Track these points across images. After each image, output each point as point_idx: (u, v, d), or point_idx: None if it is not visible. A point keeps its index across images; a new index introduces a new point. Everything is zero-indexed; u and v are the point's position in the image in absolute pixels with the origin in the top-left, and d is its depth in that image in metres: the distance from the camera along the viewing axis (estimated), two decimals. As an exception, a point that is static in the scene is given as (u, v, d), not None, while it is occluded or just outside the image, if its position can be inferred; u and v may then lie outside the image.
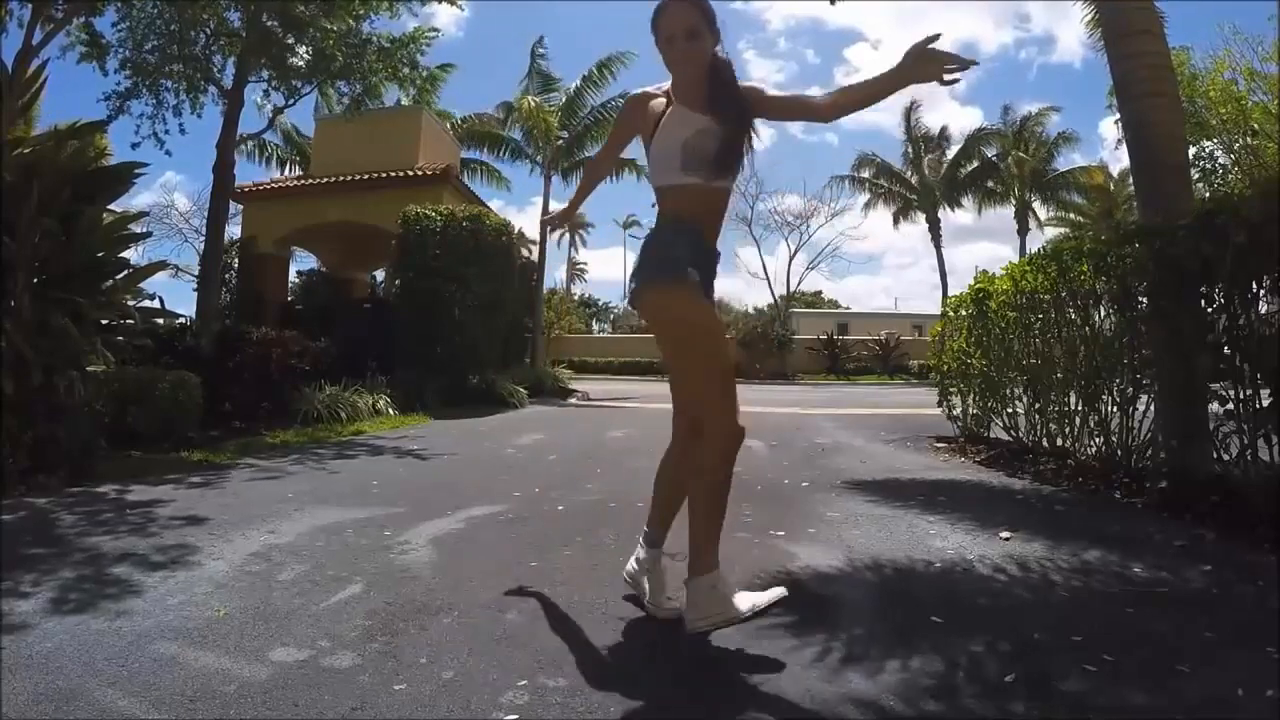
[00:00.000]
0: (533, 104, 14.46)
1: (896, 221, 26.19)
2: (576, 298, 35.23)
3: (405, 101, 8.99)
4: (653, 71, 1.96)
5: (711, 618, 1.63)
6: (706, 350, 1.74)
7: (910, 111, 25.53)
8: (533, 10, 66.71)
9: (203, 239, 8.11)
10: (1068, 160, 25.78)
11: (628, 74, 15.42)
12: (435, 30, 8.07)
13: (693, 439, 1.79)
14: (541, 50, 15.47)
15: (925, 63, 1.55)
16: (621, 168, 14.59)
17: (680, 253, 1.75)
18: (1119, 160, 24.45)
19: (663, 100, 1.86)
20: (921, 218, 25.67)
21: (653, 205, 1.90)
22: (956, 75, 1.53)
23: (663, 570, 1.93)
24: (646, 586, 1.91)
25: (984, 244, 69.90)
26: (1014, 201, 25.14)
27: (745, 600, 1.73)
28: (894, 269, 76.47)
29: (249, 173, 21.95)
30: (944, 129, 26.29)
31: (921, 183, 25.37)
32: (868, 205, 26.55)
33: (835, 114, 1.75)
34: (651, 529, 1.97)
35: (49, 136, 4.28)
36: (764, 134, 2.04)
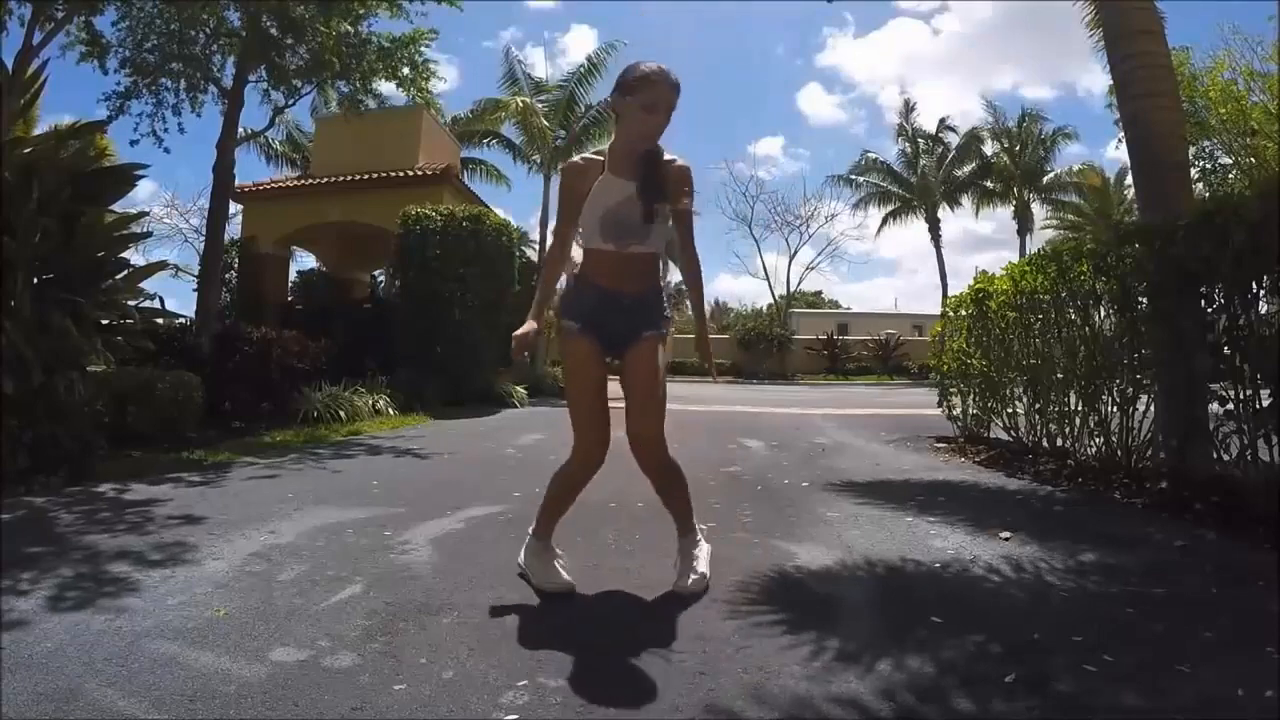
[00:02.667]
0: (521, 104, 14.39)
1: (885, 223, 26.21)
2: (576, 298, 35.07)
3: (414, 95, 8.93)
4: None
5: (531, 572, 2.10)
6: (568, 385, 2.09)
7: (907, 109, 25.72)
8: (536, 10, 66.82)
9: (203, 239, 8.10)
10: (1066, 160, 25.85)
11: (618, 66, 15.36)
12: (435, 32, 8.06)
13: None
14: (518, 54, 15.43)
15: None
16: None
17: (565, 309, 2.08)
18: (1119, 161, 24.47)
19: (594, 167, 2.01)
20: (920, 217, 25.66)
21: None
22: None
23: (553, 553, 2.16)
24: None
25: (994, 254, 69.21)
26: (1013, 201, 25.13)
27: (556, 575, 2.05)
28: (906, 273, 75.20)
29: (253, 171, 21.95)
30: (942, 121, 26.30)
31: (920, 183, 25.36)
32: (862, 203, 26.52)
33: (686, 275, 2.16)
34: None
35: (49, 136, 4.28)
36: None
